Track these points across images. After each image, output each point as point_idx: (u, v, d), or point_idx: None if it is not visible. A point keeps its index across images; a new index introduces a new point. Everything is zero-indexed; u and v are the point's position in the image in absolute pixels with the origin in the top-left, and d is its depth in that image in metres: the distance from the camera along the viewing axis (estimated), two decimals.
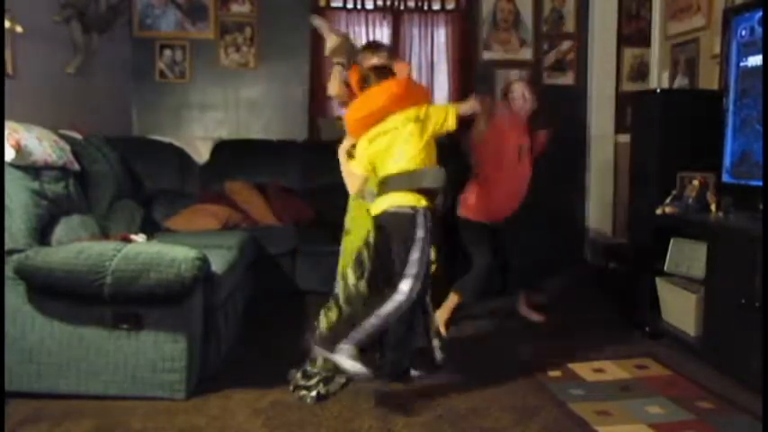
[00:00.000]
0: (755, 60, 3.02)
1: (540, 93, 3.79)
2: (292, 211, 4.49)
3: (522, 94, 3.64)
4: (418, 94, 2.81)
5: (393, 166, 2.67)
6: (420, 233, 2.59)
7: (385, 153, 2.69)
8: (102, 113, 4.55)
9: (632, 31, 5.29)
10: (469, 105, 2.85)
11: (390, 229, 2.66)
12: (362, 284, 2.79)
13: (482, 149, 3.60)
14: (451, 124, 2.71)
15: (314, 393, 2.63)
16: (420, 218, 2.61)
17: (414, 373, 2.76)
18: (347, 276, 2.84)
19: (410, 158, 2.66)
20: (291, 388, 2.71)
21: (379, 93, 2.73)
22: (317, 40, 5.18)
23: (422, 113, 2.68)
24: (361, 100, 2.83)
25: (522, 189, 3.65)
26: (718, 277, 2.97)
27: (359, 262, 2.84)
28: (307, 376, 2.72)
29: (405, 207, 2.63)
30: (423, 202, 2.63)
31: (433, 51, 5.32)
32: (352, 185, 2.83)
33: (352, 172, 2.80)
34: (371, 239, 2.79)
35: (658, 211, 3.42)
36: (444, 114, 2.71)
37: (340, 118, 3.13)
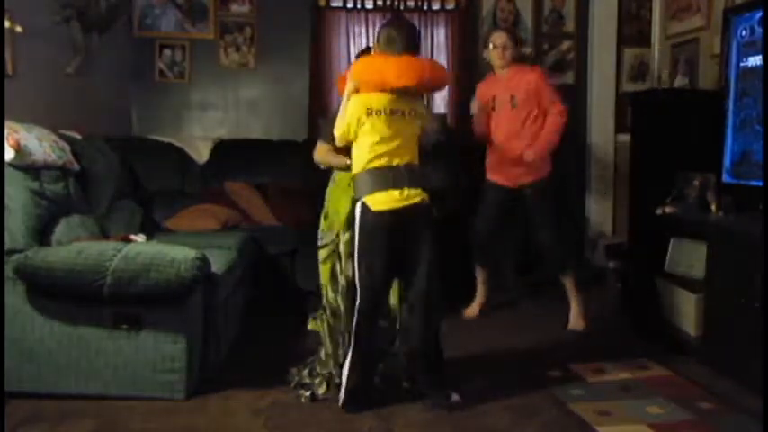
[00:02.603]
0: (755, 60, 3.02)
1: (521, 41, 3.79)
2: (292, 211, 4.48)
3: (493, 44, 3.62)
4: (440, 78, 2.69)
5: (395, 155, 2.54)
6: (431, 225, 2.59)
7: (385, 135, 2.54)
8: (102, 113, 4.55)
9: (632, 31, 5.29)
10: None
11: (410, 224, 2.55)
12: (339, 299, 2.69)
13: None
14: None
15: (309, 393, 2.63)
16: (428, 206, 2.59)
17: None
18: (327, 290, 2.74)
19: (414, 155, 2.59)
20: (293, 384, 2.71)
21: (411, 68, 2.53)
22: (316, 39, 5.19)
23: (426, 117, 2.65)
24: (380, 62, 2.58)
25: (523, 140, 3.56)
26: (718, 277, 2.97)
27: (334, 275, 2.72)
28: (312, 375, 2.73)
29: (425, 200, 2.57)
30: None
31: (432, 51, 5.31)
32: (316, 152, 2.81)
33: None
34: (344, 245, 2.66)
35: (658, 211, 3.42)
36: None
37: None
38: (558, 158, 3.77)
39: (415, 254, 2.56)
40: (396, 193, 2.51)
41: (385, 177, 2.53)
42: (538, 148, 3.52)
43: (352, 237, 2.58)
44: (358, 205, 2.56)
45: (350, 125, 2.56)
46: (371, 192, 2.53)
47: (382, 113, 2.54)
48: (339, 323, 2.70)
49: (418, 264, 2.56)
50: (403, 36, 2.62)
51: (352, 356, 2.54)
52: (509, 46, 3.62)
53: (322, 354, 2.76)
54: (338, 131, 2.61)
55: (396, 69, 2.51)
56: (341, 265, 2.68)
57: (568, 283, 3.68)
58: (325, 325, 2.74)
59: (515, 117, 3.58)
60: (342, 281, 2.68)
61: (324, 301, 2.76)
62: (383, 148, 2.53)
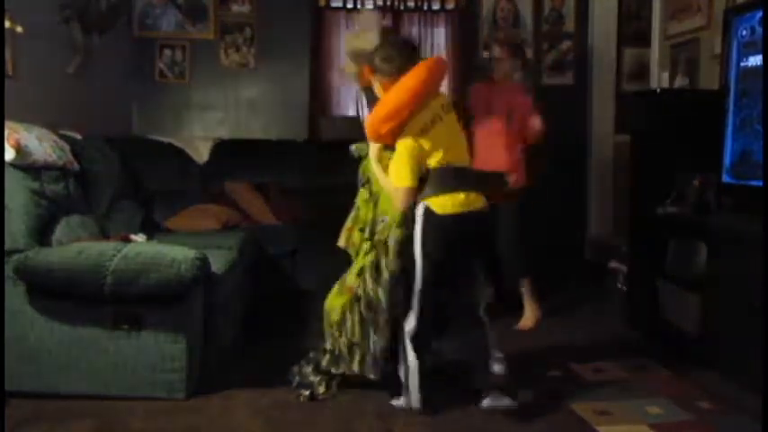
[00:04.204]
0: (755, 60, 3.02)
1: (518, 52, 3.83)
2: (292, 211, 4.49)
3: (494, 55, 3.76)
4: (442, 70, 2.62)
5: (452, 155, 2.50)
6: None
7: (441, 144, 2.48)
8: (102, 113, 4.55)
9: (632, 31, 5.29)
10: None
11: (471, 231, 2.53)
12: (380, 291, 2.60)
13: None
14: None
15: (308, 393, 2.63)
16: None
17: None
18: (366, 280, 2.62)
19: (465, 150, 2.56)
20: (294, 384, 2.71)
21: (408, 82, 2.46)
22: (317, 39, 5.19)
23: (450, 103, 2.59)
24: (387, 100, 2.50)
25: (493, 150, 3.61)
26: (718, 277, 2.97)
27: (376, 266, 2.61)
28: (317, 371, 2.71)
29: (485, 207, 2.54)
30: None
31: (432, 51, 5.31)
32: (401, 200, 2.51)
33: (398, 187, 2.49)
34: (395, 241, 2.55)
35: (658, 211, 3.42)
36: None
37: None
38: (559, 158, 3.77)
39: (468, 261, 2.58)
40: (461, 196, 2.49)
41: (449, 178, 2.49)
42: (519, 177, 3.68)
43: (407, 236, 2.54)
44: (420, 206, 2.50)
45: (414, 165, 2.48)
46: (435, 193, 2.48)
47: (428, 131, 2.48)
48: (373, 315, 2.61)
49: (470, 271, 2.58)
50: (399, 53, 2.58)
51: (418, 365, 2.50)
52: (505, 58, 3.72)
53: (341, 345, 2.66)
54: (405, 180, 2.49)
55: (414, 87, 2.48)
56: (386, 260, 2.58)
57: (526, 292, 3.72)
58: (357, 315, 2.63)
59: (496, 128, 3.66)
60: (385, 274, 2.59)
61: (359, 290, 2.64)
62: (441, 153, 2.49)
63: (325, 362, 2.71)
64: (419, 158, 2.48)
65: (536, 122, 3.68)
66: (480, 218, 2.55)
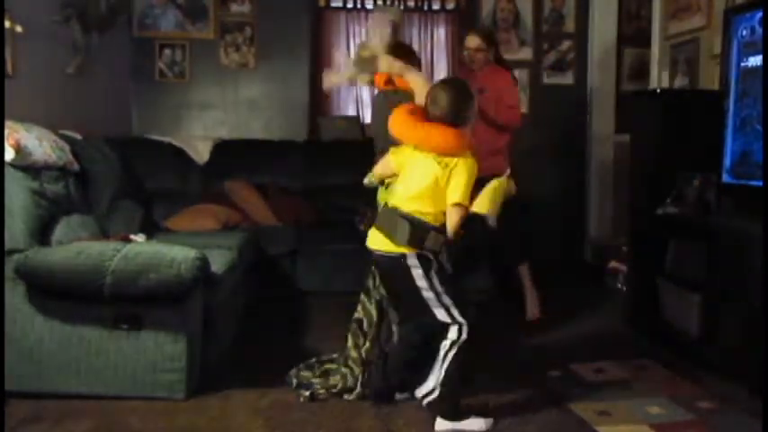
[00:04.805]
0: (755, 60, 3.02)
1: (493, 40, 3.75)
2: (292, 211, 4.49)
3: (466, 46, 3.69)
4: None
5: (404, 196, 2.37)
6: (417, 273, 2.33)
7: (403, 172, 2.43)
8: (103, 113, 4.55)
9: (632, 31, 5.29)
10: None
11: (387, 272, 2.51)
12: (374, 309, 2.72)
13: None
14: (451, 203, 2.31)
15: (308, 393, 2.63)
16: (411, 261, 2.32)
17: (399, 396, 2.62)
18: (365, 303, 2.74)
19: (412, 196, 2.33)
20: (294, 384, 2.71)
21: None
22: (317, 39, 5.19)
23: (451, 165, 2.32)
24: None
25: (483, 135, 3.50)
26: (718, 277, 2.97)
27: (367, 289, 2.73)
28: (324, 375, 2.74)
29: (393, 252, 2.34)
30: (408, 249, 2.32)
31: (432, 51, 5.32)
32: None
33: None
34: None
35: (658, 212, 3.42)
36: (456, 193, 2.29)
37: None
38: (559, 158, 3.76)
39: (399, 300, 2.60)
40: (378, 234, 2.39)
41: (380, 214, 2.43)
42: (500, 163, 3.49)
43: None
44: None
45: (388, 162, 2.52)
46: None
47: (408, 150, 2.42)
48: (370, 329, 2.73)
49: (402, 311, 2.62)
50: (446, 102, 2.38)
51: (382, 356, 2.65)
52: (482, 48, 3.65)
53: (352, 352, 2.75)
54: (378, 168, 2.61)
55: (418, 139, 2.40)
56: (374, 281, 2.71)
57: (525, 281, 3.77)
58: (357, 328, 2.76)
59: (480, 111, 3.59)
60: (376, 293, 2.72)
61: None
62: (398, 187, 2.43)
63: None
64: (390, 162, 2.51)
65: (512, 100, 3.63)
66: (391, 261, 2.37)
